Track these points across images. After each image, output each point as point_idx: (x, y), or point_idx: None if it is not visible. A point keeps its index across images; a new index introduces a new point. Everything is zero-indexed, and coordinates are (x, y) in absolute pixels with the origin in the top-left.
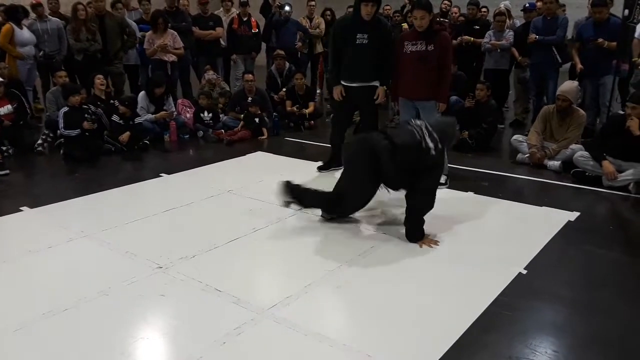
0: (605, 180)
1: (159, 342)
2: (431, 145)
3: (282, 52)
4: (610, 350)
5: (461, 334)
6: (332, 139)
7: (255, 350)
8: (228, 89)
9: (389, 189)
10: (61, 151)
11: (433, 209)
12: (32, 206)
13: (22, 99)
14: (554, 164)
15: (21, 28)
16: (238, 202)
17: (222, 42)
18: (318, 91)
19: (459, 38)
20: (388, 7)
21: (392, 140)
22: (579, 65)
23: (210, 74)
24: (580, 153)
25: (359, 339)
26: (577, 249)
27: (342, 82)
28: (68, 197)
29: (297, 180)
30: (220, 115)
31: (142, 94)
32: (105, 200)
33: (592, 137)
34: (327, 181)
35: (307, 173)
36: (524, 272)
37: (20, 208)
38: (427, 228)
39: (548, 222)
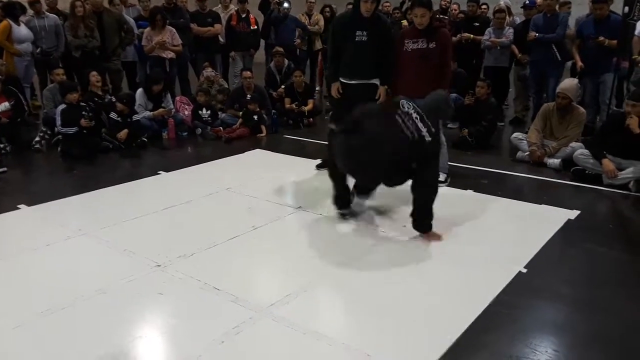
0: (605, 178)
1: (157, 341)
2: (424, 131)
3: (280, 49)
4: (611, 348)
5: (461, 333)
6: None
7: (253, 349)
8: (227, 86)
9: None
10: (59, 148)
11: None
12: (29, 204)
13: (19, 96)
14: (554, 162)
15: (18, 25)
16: (237, 200)
17: (220, 38)
18: (317, 88)
19: (458, 35)
20: (388, 4)
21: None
22: (579, 63)
23: (208, 71)
24: (580, 151)
25: (358, 337)
26: (577, 248)
27: (341, 79)
28: (66, 194)
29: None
30: (219, 113)
31: (140, 91)
32: (103, 198)
33: (592, 135)
34: (326, 179)
35: (306, 171)
36: (524, 270)
37: (18, 206)
38: None
39: (548, 220)
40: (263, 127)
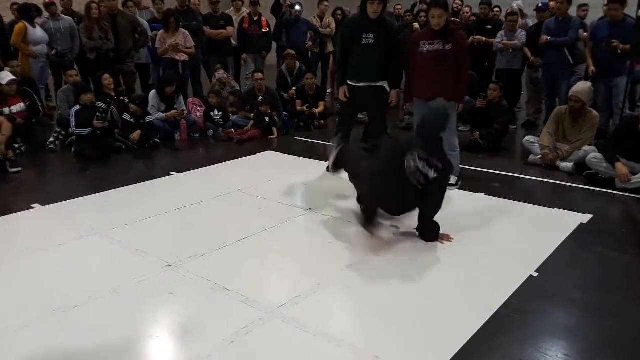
0: (618, 182)
1: (168, 341)
2: (431, 174)
3: (292, 52)
4: (622, 353)
5: (471, 336)
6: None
7: (263, 350)
8: (238, 88)
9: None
10: (73, 149)
11: (443, 210)
12: (43, 203)
13: (34, 97)
14: (567, 165)
15: (34, 27)
16: (248, 201)
17: (232, 41)
18: (328, 90)
19: (470, 38)
20: (399, 7)
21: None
22: (591, 68)
23: (220, 73)
24: (593, 155)
25: (367, 339)
26: (589, 252)
27: (349, 82)
28: (79, 194)
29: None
30: (230, 115)
31: (153, 92)
32: (115, 198)
33: (605, 139)
34: (336, 182)
35: (317, 172)
36: (535, 274)
37: (32, 205)
38: None
39: (560, 224)
40: (274, 129)
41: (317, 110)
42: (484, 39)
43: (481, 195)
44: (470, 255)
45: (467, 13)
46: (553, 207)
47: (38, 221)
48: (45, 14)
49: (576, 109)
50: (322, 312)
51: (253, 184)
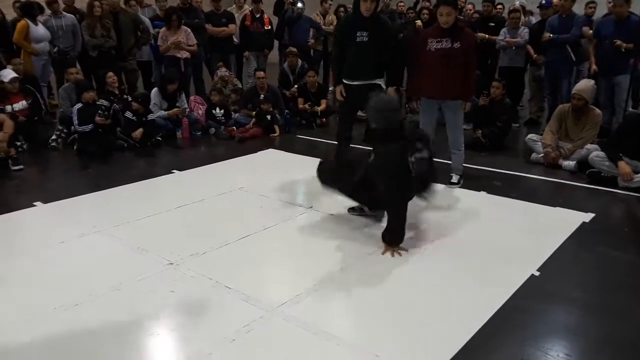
0: (620, 181)
1: (169, 339)
2: (425, 154)
3: (294, 50)
4: (623, 353)
5: (472, 335)
6: (338, 135)
7: (264, 348)
8: (240, 85)
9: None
10: (75, 147)
11: (445, 208)
12: (45, 201)
13: (36, 95)
14: (569, 164)
15: (36, 24)
16: (249, 200)
17: (234, 39)
18: (330, 89)
19: None
20: (402, 4)
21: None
22: (593, 66)
23: (222, 71)
24: (595, 153)
25: (367, 338)
26: (591, 251)
27: (344, 81)
28: (81, 192)
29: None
30: (232, 112)
31: (155, 90)
32: (117, 196)
33: (608, 137)
34: None
35: None
36: (537, 273)
37: (34, 203)
38: (438, 227)
39: (562, 223)
40: (276, 127)
41: (319, 108)
42: (486, 36)
43: (483, 193)
44: (471, 254)
45: (470, 10)
46: (555, 206)
47: (40, 219)
48: (48, 11)
49: (579, 107)
50: (323, 311)
51: (255, 182)
